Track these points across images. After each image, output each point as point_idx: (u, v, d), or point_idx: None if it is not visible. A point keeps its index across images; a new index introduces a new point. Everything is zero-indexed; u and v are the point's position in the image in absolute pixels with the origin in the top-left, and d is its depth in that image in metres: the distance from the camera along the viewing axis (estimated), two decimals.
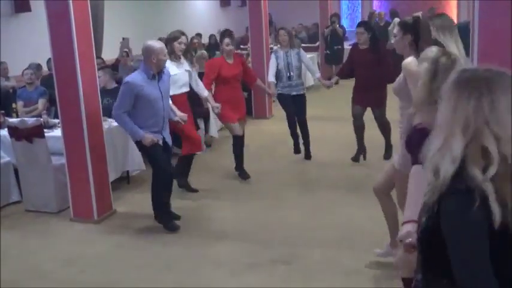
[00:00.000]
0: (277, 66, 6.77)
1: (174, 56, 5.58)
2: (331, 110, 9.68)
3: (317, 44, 14.44)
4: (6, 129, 5.69)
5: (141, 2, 12.34)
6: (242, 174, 6.40)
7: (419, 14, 4.15)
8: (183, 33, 5.69)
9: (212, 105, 6.00)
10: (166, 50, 4.90)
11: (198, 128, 7.34)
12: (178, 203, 5.60)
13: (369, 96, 6.45)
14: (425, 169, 1.69)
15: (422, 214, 1.72)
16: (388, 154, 6.66)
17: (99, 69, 6.80)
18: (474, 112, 1.61)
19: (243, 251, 4.56)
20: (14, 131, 5.53)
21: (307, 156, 7.03)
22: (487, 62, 3.58)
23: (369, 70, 6.33)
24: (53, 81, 5.28)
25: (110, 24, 10.44)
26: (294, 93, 6.83)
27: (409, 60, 3.42)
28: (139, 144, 4.93)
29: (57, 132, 5.65)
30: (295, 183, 6.24)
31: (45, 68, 8.16)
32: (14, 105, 7.02)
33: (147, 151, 4.94)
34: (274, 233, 4.88)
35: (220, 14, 16.58)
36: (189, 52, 6.02)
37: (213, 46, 13.50)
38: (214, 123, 7.91)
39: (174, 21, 13.36)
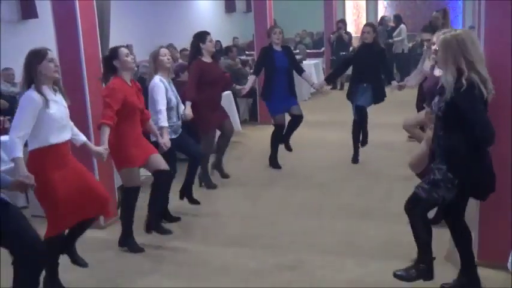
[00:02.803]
0: (170, 103, 5.12)
1: (47, 81, 3.75)
2: (331, 116, 9.69)
3: (322, 49, 14.47)
4: None
5: (145, 8, 12.39)
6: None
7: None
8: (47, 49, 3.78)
9: (93, 149, 4.19)
10: None
11: None
12: (183, 208, 5.63)
13: (223, 111, 6.39)
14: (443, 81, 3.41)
15: (439, 105, 3.46)
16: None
17: None
18: (457, 52, 3.34)
19: (248, 256, 4.57)
20: None
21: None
22: (493, 63, 3.63)
23: (219, 85, 6.21)
24: None
25: (114, 31, 10.46)
26: (180, 132, 5.39)
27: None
28: None
29: None
30: (299, 188, 6.24)
31: None
32: None
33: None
34: (278, 239, 4.89)
35: (225, 20, 16.63)
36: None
37: (219, 52, 13.55)
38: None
39: (179, 27, 13.43)
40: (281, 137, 6.94)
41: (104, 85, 4.59)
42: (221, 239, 4.98)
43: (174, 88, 5.30)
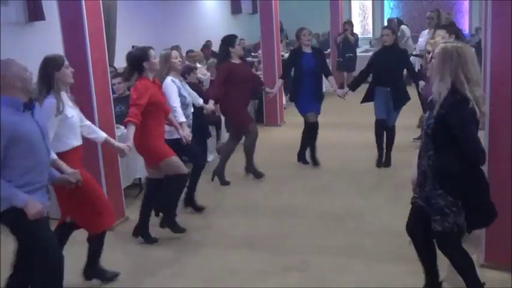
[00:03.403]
0: (185, 101, 5.34)
1: (64, 87, 3.96)
2: (339, 117, 9.67)
3: (328, 51, 14.45)
4: None
5: (151, 10, 12.41)
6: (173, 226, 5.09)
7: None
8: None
9: (116, 144, 4.46)
10: (25, 65, 3.31)
11: (209, 135, 7.39)
12: (189, 209, 5.63)
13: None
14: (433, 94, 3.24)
15: (427, 121, 3.25)
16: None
17: (116, 77, 6.88)
18: (455, 65, 3.14)
19: (255, 258, 4.56)
20: None
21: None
22: (500, 63, 3.58)
23: (248, 85, 6.45)
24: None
25: (120, 33, 10.51)
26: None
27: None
28: (9, 216, 3.22)
29: None
30: (306, 190, 6.23)
31: None
32: None
33: (28, 228, 3.21)
34: (286, 241, 4.88)
35: (231, 22, 16.62)
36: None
37: None
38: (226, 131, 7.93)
39: (185, 29, 13.43)
40: (314, 135, 6.97)
41: (125, 81, 4.89)
42: (227, 240, 4.98)
43: (187, 87, 5.53)
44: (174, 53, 5.31)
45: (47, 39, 8.63)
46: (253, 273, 4.30)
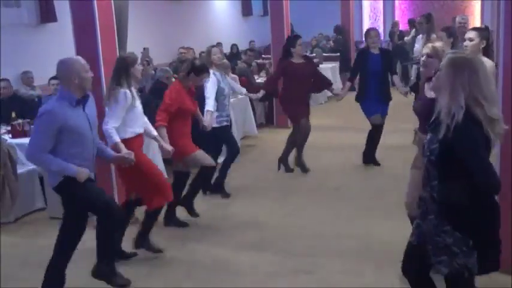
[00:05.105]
0: (223, 92, 5.90)
1: (132, 80, 4.45)
2: (348, 120, 9.65)
3: (338, 53, 14.42)
4: None
5: (162, 11, 12.46)
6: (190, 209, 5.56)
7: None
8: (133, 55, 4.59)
9: (164, 145, 4.81)
10: (88, 66, 3.77)
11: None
12: (200, 211, 5.63)
13: (306, 108, 6.87)
14: (441, 113, 2.71)
15: (430, 146, 2.78)
16: None
17: None
18: (467, 80, 2.67)
19: (264, 260, 4.56)
20: None
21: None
22: None
23: (305, 83, 6.69)
24: None
25: (131, 34, 10.56)
26: (228, 123, 6.18)
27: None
28: (63, 187, 3.79)
29: None
30: (315, 193, 6.23)
31: None
32: None
33: (82, 191, 3.78)
34: (294, 243, 4.88)
35: (242, 24, 16.66)
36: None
37: (234, 56, 13.57)
38: (236, 133, 7.93)
39: (196, 31, 13.48)
40: (378, 136, 7.02)
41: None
42: (237, 242, 4.98)
43: (228, 80, 6.14)
44: (215, 50, 5.95)
45: (59, 40, 8.70)
46: (262, 275, 4.30)
